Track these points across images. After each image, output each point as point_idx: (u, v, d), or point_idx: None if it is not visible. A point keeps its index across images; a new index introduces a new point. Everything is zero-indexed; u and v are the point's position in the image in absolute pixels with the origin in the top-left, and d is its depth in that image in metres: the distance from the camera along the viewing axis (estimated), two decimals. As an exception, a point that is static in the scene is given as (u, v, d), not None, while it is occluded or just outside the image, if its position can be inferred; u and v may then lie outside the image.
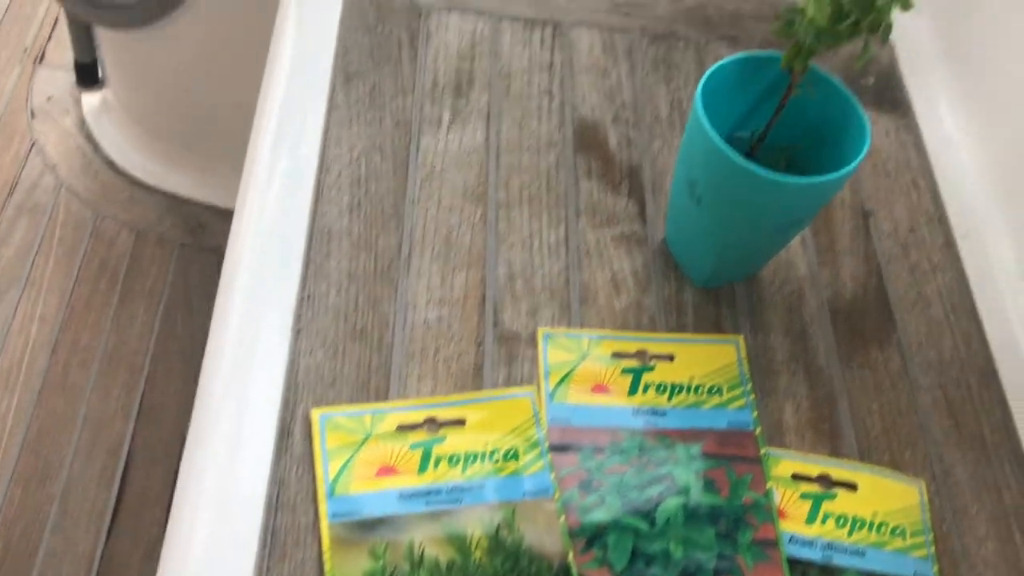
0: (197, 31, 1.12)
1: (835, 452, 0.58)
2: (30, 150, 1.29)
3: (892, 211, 0.71)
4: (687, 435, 0.57)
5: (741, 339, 0.62)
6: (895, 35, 0.81)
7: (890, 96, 0.77)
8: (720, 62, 0.58)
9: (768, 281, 0.65)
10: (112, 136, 1.32)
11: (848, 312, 0.65)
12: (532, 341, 0.60)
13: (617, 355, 0.59)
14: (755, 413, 0.58)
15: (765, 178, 0.53)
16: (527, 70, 0.74)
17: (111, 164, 1.30)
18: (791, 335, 0.63)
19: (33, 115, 1.33)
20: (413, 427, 0.54)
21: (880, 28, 0.54)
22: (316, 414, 0.53)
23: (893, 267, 0.67)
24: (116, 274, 1.19)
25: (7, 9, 1.45)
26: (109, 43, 1.21)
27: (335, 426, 0.53)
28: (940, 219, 0.71)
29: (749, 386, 0.59)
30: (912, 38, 0.81)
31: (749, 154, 0.61)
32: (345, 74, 0.71)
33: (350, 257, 0.61)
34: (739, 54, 0.58)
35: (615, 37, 0.77)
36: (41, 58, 1.40)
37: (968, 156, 0.74)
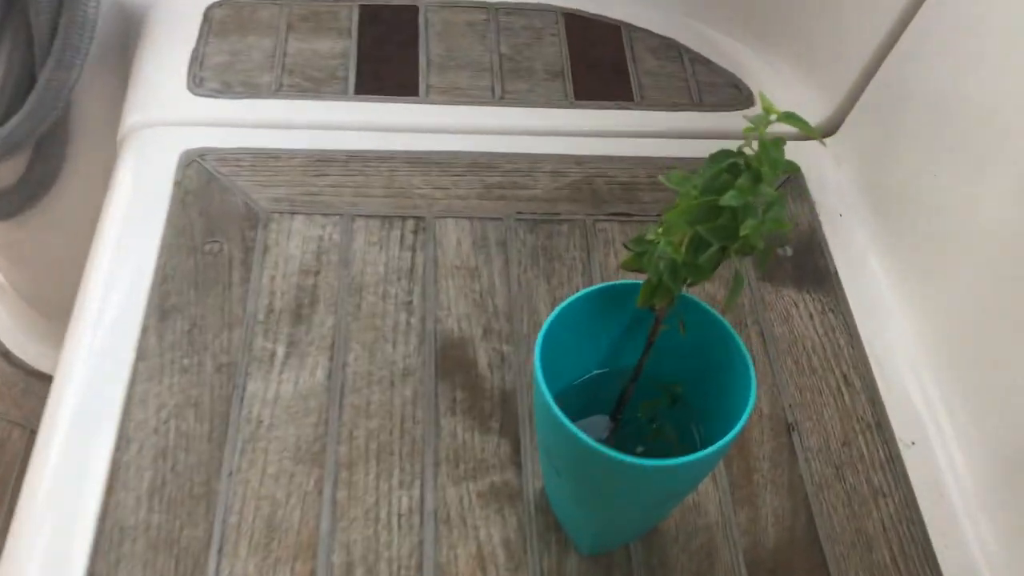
0: (70, 214, 1.03)
1: None
2: (-84, 345, 1.19)
3: (821, 420, 0.59)
4: None
5: (636, 627, 0.50)
6: (815, 194, 0.71)
7: (812, 268, 0.67)
8: (569, 299, 0.47)
9: (671, 536, 0.53)
10: (4, 322, 1.22)
11: (773, 568, 0.53)
12: (371, 658, 0.48)
13: (478, 668, 0.47)
14: None
15: (619, 461, 0.41)
16: (383, 280, 0.63)
17: (4, 354, 1.20)
18: (701, 609, 0.51)
19: (-78, 304, 1.23)
20: None
21: (753, 252, 0.43)
22: None
23: (825, 497, 0.56)
24: (5, 483, 1.07)
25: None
26: (-10, 228, 1.12)
27: None
28: (879, 425, 0.59)
29: None
30: (834, 195, 0.70)
31: (623, 394, 0.49)
32: (161, 311, 0.60)
33: (145, 562, 0.50)
34: (591, 288, 0.47)
35: (487, 227, 0.67)
36: (-67, 239, 1.31)
37: (907, 337, 0.63)
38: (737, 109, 0.76)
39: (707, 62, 0.80)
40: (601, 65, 0.79)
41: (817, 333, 0.63)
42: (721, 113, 0.76)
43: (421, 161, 0.70)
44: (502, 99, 0.75)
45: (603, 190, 0.70)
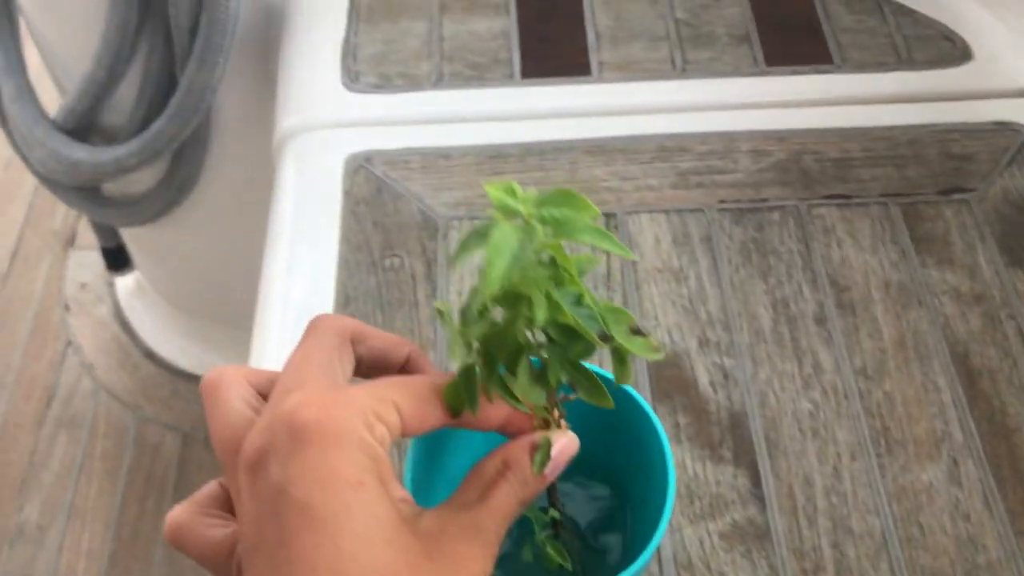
0: (210, 215, 1.00)
1: None
2: (66, 350, 1.19)
3: (1107, 431, 0.51)
4: None
5: None
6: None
7: (1070, 248, 0.58)
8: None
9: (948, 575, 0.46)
10: (147, 321, 1.21)
11: (1075, 614, 0.45)
12: None
13: None
14: None
15: None
16: (579, 288, 0.57)
17: (150, 354, 1.19)
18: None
19: (67, 308, 1.23)
20: None
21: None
22: None
23: None
24: (163, 489, 1.07)
25: (35, 191, 1.36)
26: (128, 230, 1.10)
27: None
28: None
29: None
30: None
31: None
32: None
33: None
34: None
35: (687, 220, 0.60)
36: (72, 240, 1.31)
37: None
38: (953, 65, 0.67)
39: (911, 12, 0.70)
40: (790, 25, 0.70)
41: (1088, 326, 0.54)
42: (935, 71, 0.67)
43: (603, 149, 0.64)
44: (684, 71, 0.68)
45: (813, 169, 0.62)
